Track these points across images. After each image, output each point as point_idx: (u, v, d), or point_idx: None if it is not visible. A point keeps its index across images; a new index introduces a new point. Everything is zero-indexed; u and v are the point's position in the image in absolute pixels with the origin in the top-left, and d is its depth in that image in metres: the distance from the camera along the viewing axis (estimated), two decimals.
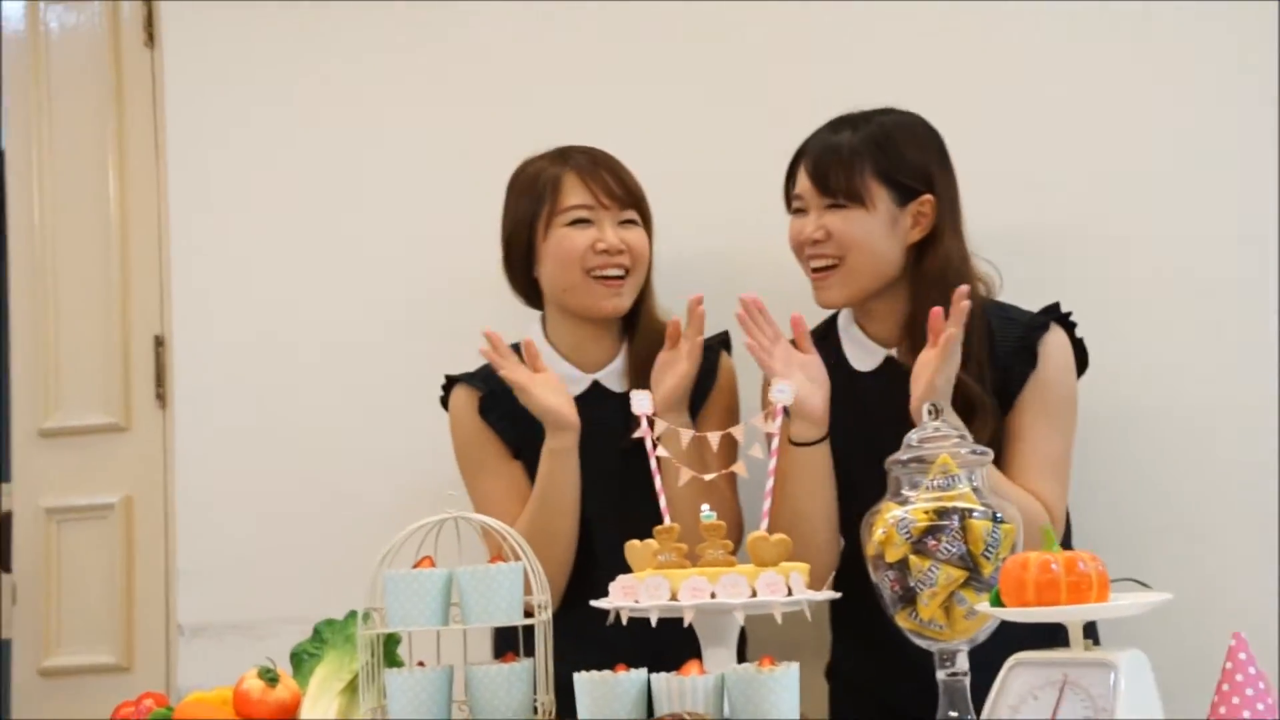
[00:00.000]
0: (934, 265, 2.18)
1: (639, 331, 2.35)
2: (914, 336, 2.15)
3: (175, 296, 2.83)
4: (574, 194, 2.31)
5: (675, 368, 2.24)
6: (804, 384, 2.12)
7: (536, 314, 2.41)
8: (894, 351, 2.23)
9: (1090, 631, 2.19)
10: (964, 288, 2.04)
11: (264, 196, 2.80)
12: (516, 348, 2.38)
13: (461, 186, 2.70)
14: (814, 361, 2.17)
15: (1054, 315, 2.20)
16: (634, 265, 2.31)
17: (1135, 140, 2.43)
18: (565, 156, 2.34)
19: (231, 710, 1.95)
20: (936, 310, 2.05)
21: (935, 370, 2.02)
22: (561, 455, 2.24)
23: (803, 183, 2.22)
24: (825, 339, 2.29)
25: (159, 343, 2.89)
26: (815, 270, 2.21)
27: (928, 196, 2.19)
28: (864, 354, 2.25)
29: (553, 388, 2.24)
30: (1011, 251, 2.33)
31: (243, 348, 2.78)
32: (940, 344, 2.02)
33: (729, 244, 2.56)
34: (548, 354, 2.35)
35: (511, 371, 2.23)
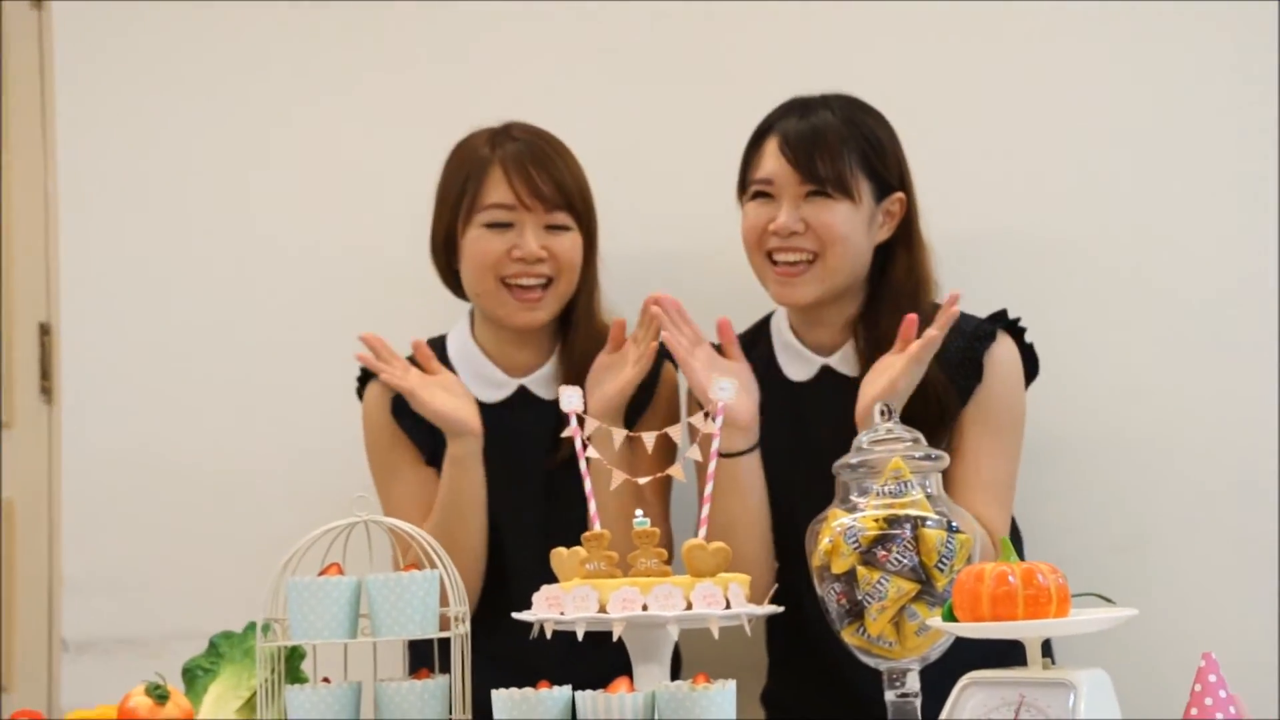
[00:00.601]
0: (901, 269, 2.15)
1: (575, 334, 2.27)
2: (866, 344, 2.12)
3: (64, 279, 2.74)
4: (495, 190, 2.23)
5: (618, 373, 2.17)
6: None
7: (466, 307, 2.35)
8: (831, 360, 2.19)
9: (1046, 650, 2.15)
10: (956, 292, 2.02)
11: (164, 171, 2.72)
12: (441, 343, 2.32)
13: (379, 167, 2.65)
14: (742, 368, 2.13)
15: (1001, 323, 2.17)
16: (558, 275, 2.23)
17: (1111, 141, 2.42)
18: (499, 140, 2.25)
19: None
20: (912, 317, 2.01)
21: (900, 372, 1.98)
22: (464, 462, 2.18)
23: (773, 166, 2.13)
24: (754, 345, 2.24)
25: (44, 331, 2.79)
26: (783, 264, 2.14)
27: (899, 194, 2.16)
28: (799, 363, 2.21)
29: (448, 390, 2.17)
30: (969, 257, 2.33)
31: (138, 338, 2.70)
32: (919, 345, 1.98)
33: (678, 241, 2.51)
34: (472, 355, 2.28)
35: (394, 378, 2.16)
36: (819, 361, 2.20)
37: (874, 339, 2.12)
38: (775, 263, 2.15)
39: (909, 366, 1.98)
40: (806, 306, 2.16)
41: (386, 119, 2.64)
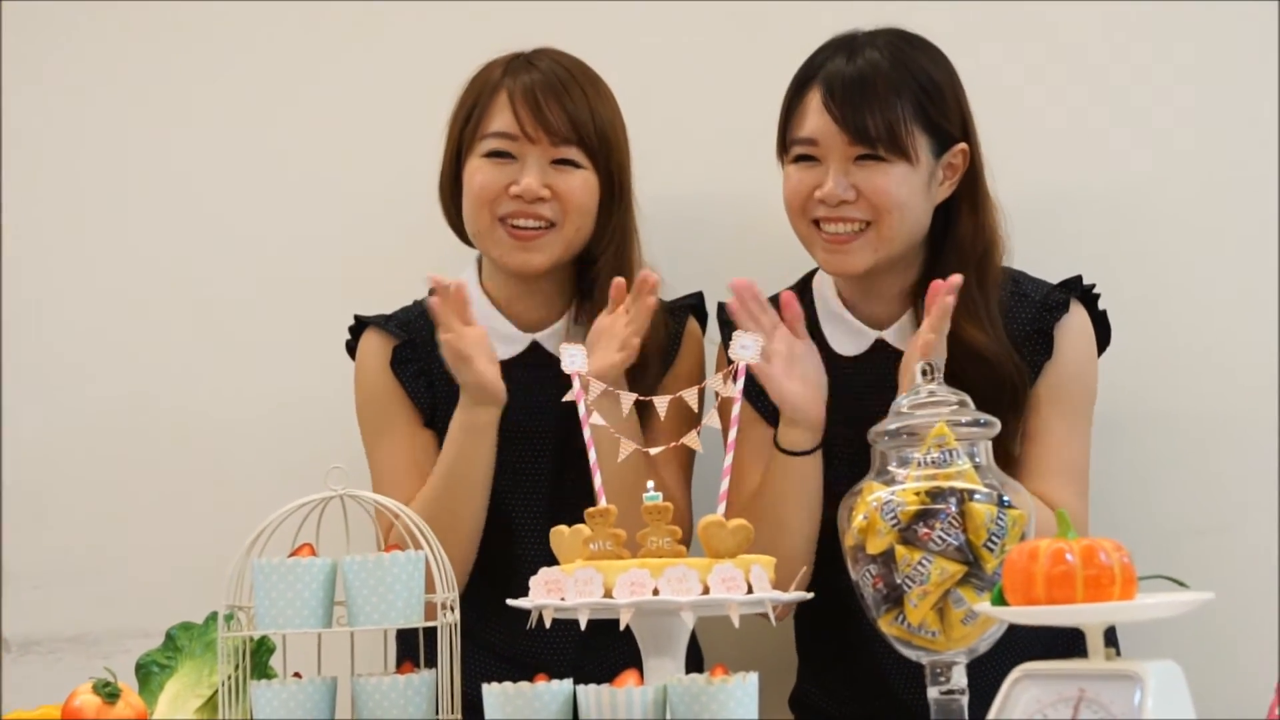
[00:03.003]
0: (966, 230, 2.16)
1: (597, 285, 2.28)
2: (923, 313, 2.12)
3: (1, 242, 2.76)
4: (498, 118, 2.26)
5: (610, 345, 2.16)
6: (800, 384, 2.09)
7: (473, 254, 2.38)
8: (886, 333, 2.21)
9: (1109, 638, 2.17)
10: (956, 278, 2.02)
11: (111, 122, 2.75)
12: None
13: (370, 102, 2.68)
14: (811, 356, 2.13)
15: (1074, 291, 2.19)
16: (562, 217, 2.25)
17: (1200, 89, 2.45)
18: (516, 67, 2.28)
19: None
20: (938, 283, 2.02)
21: (930, 327, 2.00)
22: (482, 431, 2.20)
23: (819, 124, 2.13)
24: (804, 301, 2.26)
25: None
26: (832, 236, 2.15)
27: (962, 145, 2.17)
28: (849, 336, 2.23)
29: (488, 353, 2.18)
30: (1038, 215, 2.36)
31: (84, 306, 2.73)
32: (934, 318, 2.00)
33: (717, 189, 2.54)
34: (481, 306, 2.31)
35: (458, 339, 2.13)
36: (872, 335, 2.22)
37: (953, 318, 2.12)
38: (822, 230, 2.16)
39: (938, 323, 2.00)
40: (858, 273, 2.17)
41: (394, 51, 2.68)
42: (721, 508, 1.87)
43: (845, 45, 2.16)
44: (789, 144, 2.18)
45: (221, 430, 2.68)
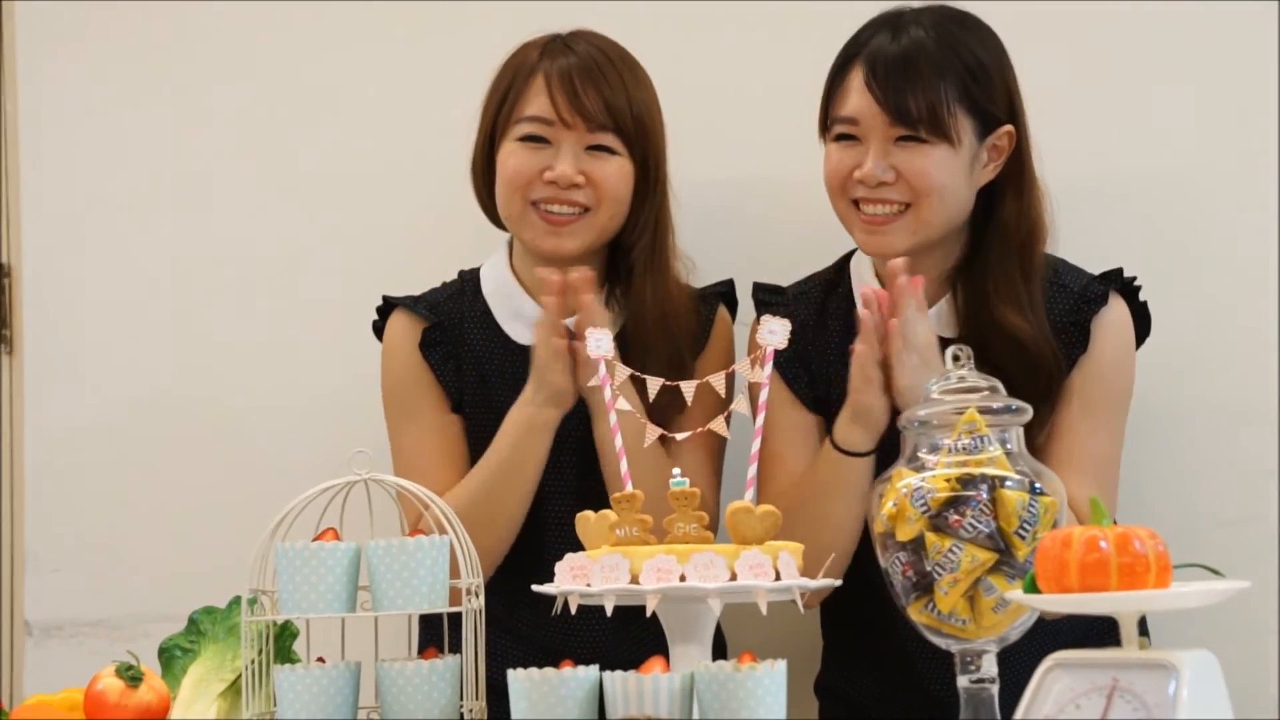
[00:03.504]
0: (1010, 214, 2.14)
1: (635, 281, 2.26)
2: (965, 300, 2.13)
3: (25, 216, 2.76)
4: (534, 102, 2.24)
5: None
6: (878, 389, 2.05)
7: (503, 237, 2.36)
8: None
9: (1140, 627, 2.15)
10: (895, 263, 2.01)
11: (135, 86, 2.74)
12: (475, 276, 2.34)
13: (386, 83, 2.67)
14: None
15: (1114, 283, 2.17)
16: (597, 203, 2.24)
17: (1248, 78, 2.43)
18: (553, 49, 2.26)
19: (82, 716, 1.89)
20: (868, 291, 2.02)
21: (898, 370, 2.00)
22: (544, 430, 2.19)
23: (860, 103, 2.11)
24: (832, 291, 2.24)
25: (4, 272, 2.82)
26: (870, 216, 2.13)
27: (1008, 127, 2.14)
28: None
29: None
30: (1078, 203, 2.32)
31: (112, 282, 2.72)
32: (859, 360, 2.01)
33: (750, 175, 2.53)
34: (509, 289, 2.31)
35: (562, 344, 2.13)
36: None
37: (975, 293, 2.12)
38: (860, 210, 2.14)
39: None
40: (896, 254, 2.13)
41: (424, 30, 2.66)
42: (749, 494, 1.85)
43: (890, 22, 2.14)
44: (830, 122, 2.16)
45: (246, 416, 2.68)
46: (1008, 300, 2.08)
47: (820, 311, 2.25)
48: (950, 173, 2.10)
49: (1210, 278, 2.41)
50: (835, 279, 2.27)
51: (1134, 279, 2.18)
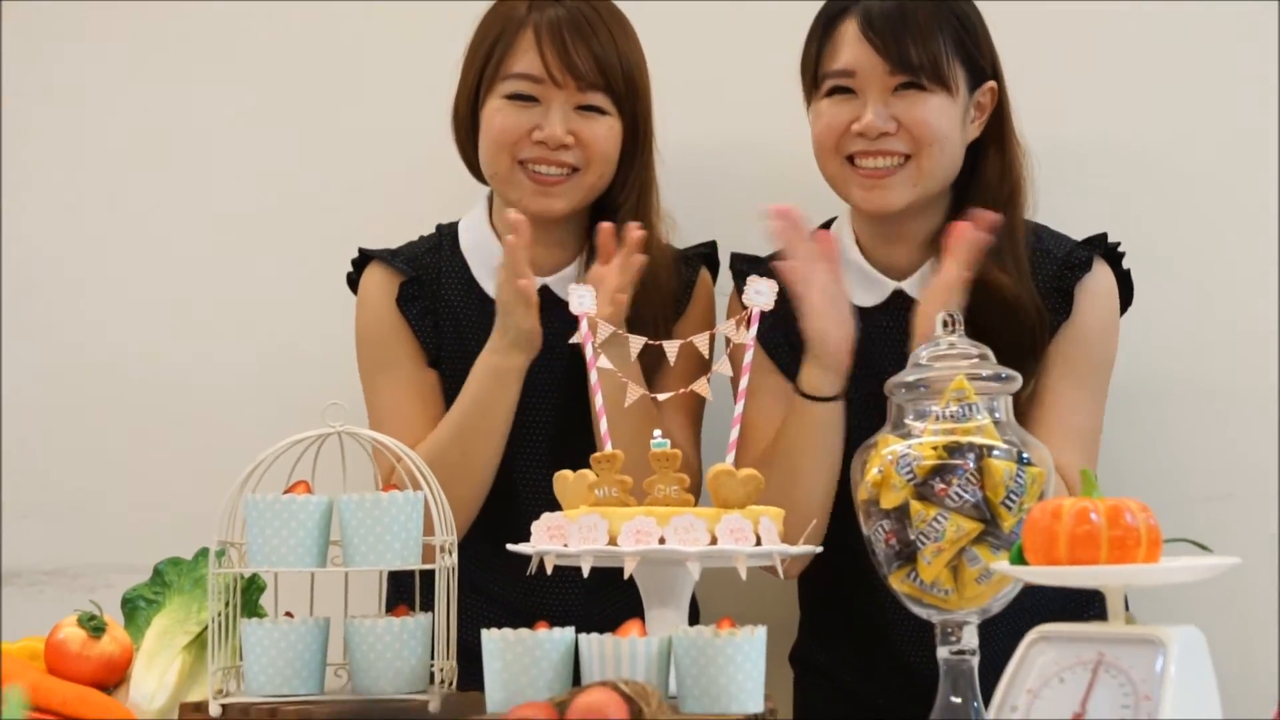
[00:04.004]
0: (993, 172, 2.12)
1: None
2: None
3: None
4: (522, 59, 2.18)
5: (600, 299, 2.04)
6: (836, 325, 2.03)
7: (482, 191, 2.32)
8: (905, 284, 2.16)
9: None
10: (994, 216, 1.99)
11: (111, 67, 2.69)
12: (453, 230, 2.29)
13: (366, 29, 2.63)
14: (845, 297, 2.06)
15: (1098, 248, 2.14)
16: (586, 164, 2.18)
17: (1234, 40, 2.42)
18: (540, 2, 2.19)
19: (42, 665, 1.84)
20: (961, 224, 1.98)
21: (966, 264, 1.95)
22: (509, 377, 2.14)
23: (855, 54, 2.08)
24: None
25: None
26: (871, 170, 2.10)
27: (991, 83, 2.13)
28: (867, 286, 2.17)
29: (536, 302, 2.12)
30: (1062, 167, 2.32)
31: (78, 244, 2.68)
32: (970, 248, 1.96)
33: (734, 137, 2.49)
34: (489, 245, 2.26)
35: (528, 285, 2.07)
36: (890, 285, 2.17)
37: (979, 261, 2.07)
38: (858, 166, 2.10)
39: (958, 272, 1.96)
40: (893, 215, 2.12)
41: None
42: (731, 457, 1.82)
43: None
44: (821, 78, 2.12)
45: (218, 367, 2.63)
46: (992, 258, 2.05)
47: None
48: (949, 122, 2.07)
49: (1199, 250, 2.40)
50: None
51: (1118, 244, 2.15)
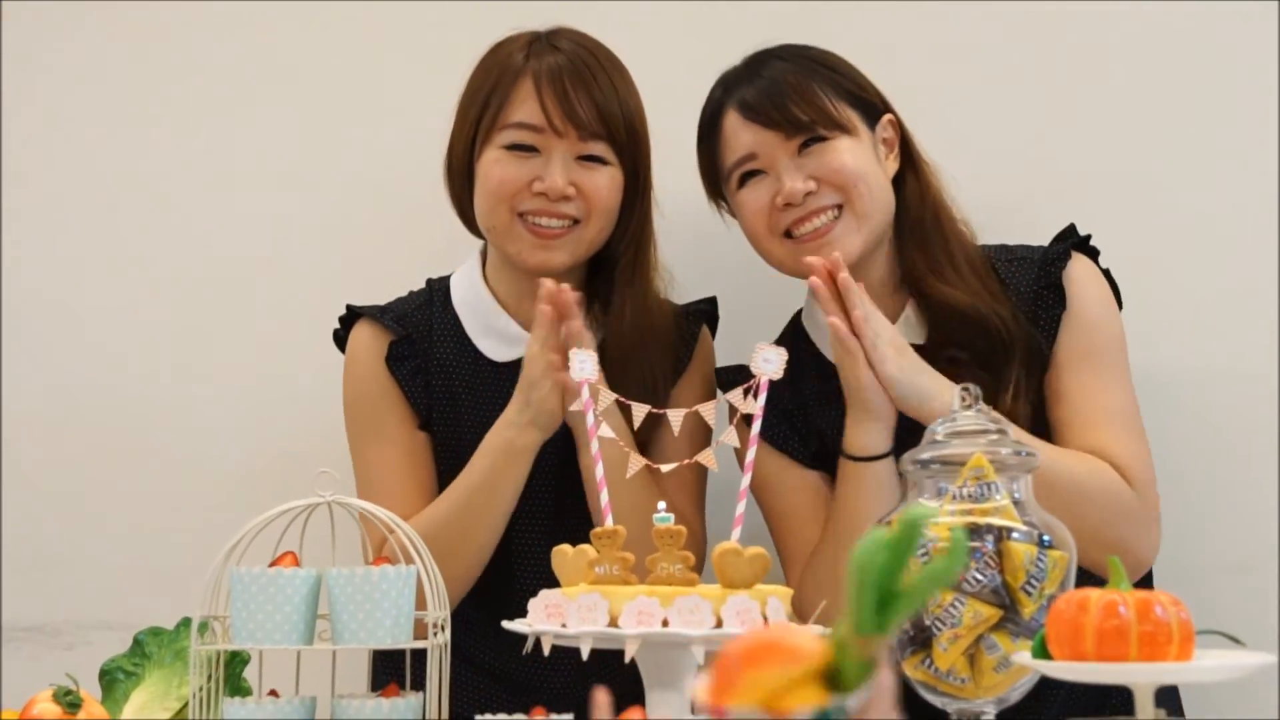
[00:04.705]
0: (913, 196, 2.10)
1: (616, 298, 2.13)
2: (919, 297, 2.06)
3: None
4: (521, 107, 2.09)
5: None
6: (863, 361, 1.96)
7: (475, 245, 2.23)
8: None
9: (1172, 699, 2.06)
10: (836, 255, 1.97)
11: (95, 105, 2.62)
12: (444, 285, 2.22)
13: (370, 77, 2.57)
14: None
15: (1072, 241, 2.11)
16: (588, 216, 2.10)
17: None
18: (538, 49, 2.11)
19: None
20: (813, 261, 1.97)
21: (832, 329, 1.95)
22: (524, 454, 2.05)
23: (748, 139, 2.07)
24: (796, 344, 2.13)
25: None
26: (811, 233, 2.05)
27: (888, 116, 2.12)
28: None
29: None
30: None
31: (65, 293, 2.60)
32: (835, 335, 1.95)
33: None
34: (483, 303, 2.18)
35: (553, 357, 1.97)
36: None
37: (922, 283, 2.06)
38: (798, 236, 2.06)
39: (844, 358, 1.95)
40: (855, 255, 2.06)
41: (391, 29, 2.56)
42: (736, 533, 1.73)
43: (739, 73, 2.11)
44: (726, 174, 2.11)
45: (203, 426, 2.55)
46: (934, 274, 2.05)
47: (790, 365, 2.14)
48: (863, 159, 2.07)
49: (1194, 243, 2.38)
50: (792, 334, 2.18)
51: (1089, 237, 2.13)
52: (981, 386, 1.70)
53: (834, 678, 1.01)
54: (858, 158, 2.05)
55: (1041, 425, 2.00)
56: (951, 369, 1.98)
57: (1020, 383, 2.01)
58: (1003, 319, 2.03)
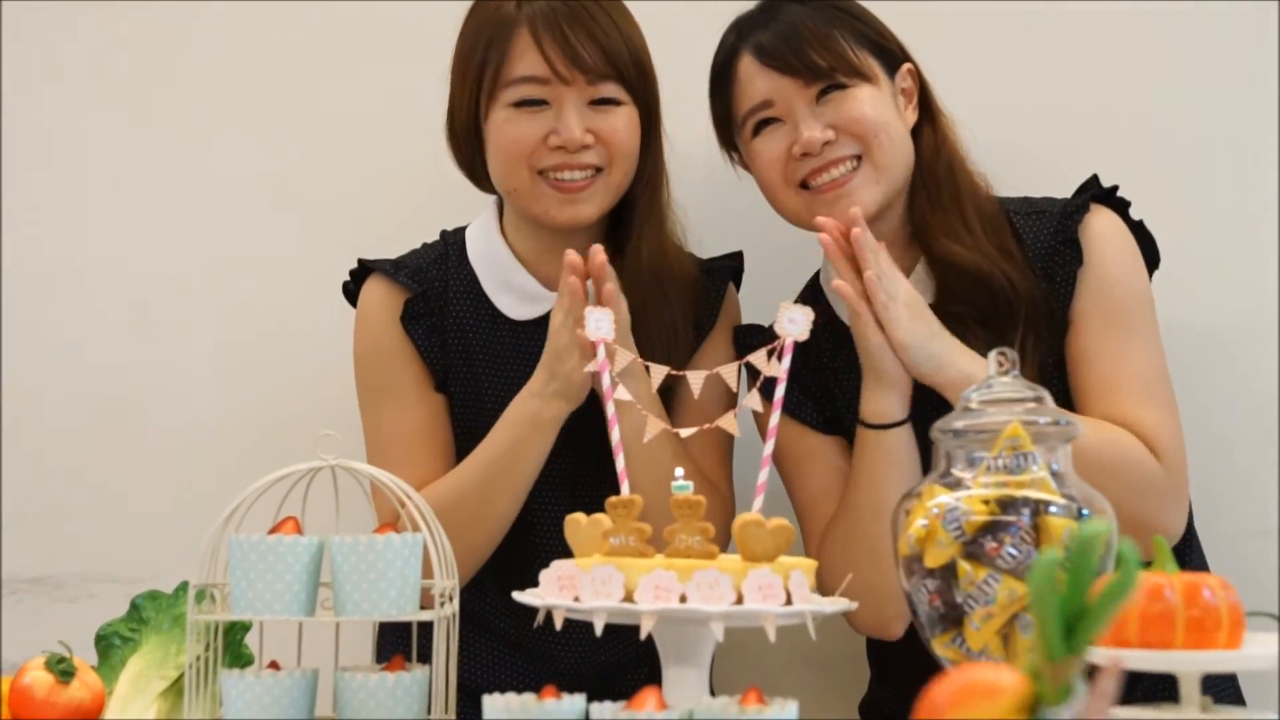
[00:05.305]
0: (928, 149, 2.02)
1: (636, 241, 2.03)
2: (930, 253, 1.98)
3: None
4: (522, 61, 1.98)
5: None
6: (874, 325, 1.88)
7: (489, 199, 2.13)
8: None
9: (1229, 687, 1.98)
10: (854, 210, 1.89)
11: (97, 74, 2.55)
12: (459, 238, 2.12)
13: (367, 36, 2.48)
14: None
15: (1094, 192, 2.01)
16: (610, 162, 2.00)
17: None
18: None
19: (5, 712, 1.69)
20: (824, 221, 1.89)
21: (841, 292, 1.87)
22: (550, 426, 1.96)
23: (765, 84, 1.98)
24: (812, 305, 2.03)
25: None
26: (829, 183, 1.97)
27: (908, 65, 2.04)
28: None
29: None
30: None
31: (70, 258, 2.52)
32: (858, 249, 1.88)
33: None
34: (501, 260, 2.08)
35: (584, 335, 1.82)
36: None
37: (929, 238, 1.98)
38: (815, 187, 1.98)
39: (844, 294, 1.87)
40: (875, 208, 1.97)
41: None
42: (758, 502, 1.65)
43: (755, 17, 2.03)
44: (740, 122, 2.02)
45: (209, 384, 2.48)
46: (941, 231, 1.97)
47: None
48: (883, 108, 1.99)
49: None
50: (811, 296, 2.09)
51: (1115, 188, 2.02)
52: (985, 348, 1.61)
53: (1036, 706, 1.06)
54: (878, 107, 1.97)
55: (1056, 390, 1.89)
56: (958, 328, 1.89)
57: (1027, 345, 1.92)
58: (1010, 278, 1.94)
